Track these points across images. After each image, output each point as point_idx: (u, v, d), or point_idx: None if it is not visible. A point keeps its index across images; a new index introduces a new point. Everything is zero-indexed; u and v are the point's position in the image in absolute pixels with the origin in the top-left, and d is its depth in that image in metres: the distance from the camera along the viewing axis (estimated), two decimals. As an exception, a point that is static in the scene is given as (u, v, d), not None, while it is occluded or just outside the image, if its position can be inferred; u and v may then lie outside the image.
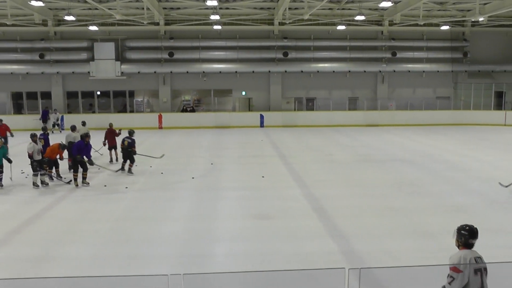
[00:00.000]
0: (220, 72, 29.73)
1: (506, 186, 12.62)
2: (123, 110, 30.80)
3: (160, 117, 29.13)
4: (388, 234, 9.14)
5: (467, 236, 4.97)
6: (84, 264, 7.76)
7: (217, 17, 25.23)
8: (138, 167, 15.69)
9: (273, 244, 8.64)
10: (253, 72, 29.88)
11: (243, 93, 31.05)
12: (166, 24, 29.64)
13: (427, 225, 9.69)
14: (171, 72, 29.76)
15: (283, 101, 31.01)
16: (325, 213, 10.51)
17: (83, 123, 17.57)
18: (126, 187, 13.07)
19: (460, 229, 5.02)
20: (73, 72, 29.63)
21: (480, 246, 6.56)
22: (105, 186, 13.34)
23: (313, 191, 12.60)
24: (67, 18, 25.35)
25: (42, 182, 13.27)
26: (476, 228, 5.01)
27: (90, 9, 27.32)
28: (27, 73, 29.68)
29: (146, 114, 30.42)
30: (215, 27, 28.11)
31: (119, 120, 27.38)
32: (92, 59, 29.13)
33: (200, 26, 29.33)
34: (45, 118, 27.56)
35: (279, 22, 29.36)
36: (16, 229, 9.64)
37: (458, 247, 5.02)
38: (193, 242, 8.79)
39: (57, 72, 29.73)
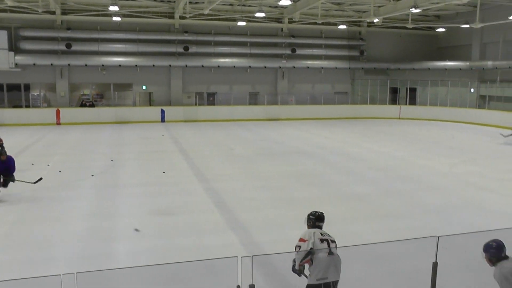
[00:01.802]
0: (120, 65, 34.14)
1: (506, 136, 17.64)
2: (18, 105, 33.62)
3: (58, 112, 32.63)
4: (288, 224, 10.64)
5: (314, 219, 6.63)
6: None
7: (116, 8, 28.63)
8: (35, 165, 17.43)
9: (174, 240, 9.94)
10: (153, 66, 34.63)
11: (144, 87, 35.81)
12: (63, 13, 33.34)
13: (327, 213, 9.28)
14: (68, 64, 33.46)
15: (184, 95, 36.12)
16: (226, 207, 11.89)
17: None
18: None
19: (309, 215, 6.71)
20: None
21: (377, 231, 10.15)
22: None
23: (214, 185, 14.49)
24: None
25: None
26: (322, 213, 6.68)
27: (-22, -6, 30.28)
28: None
29: (43, 109, 33.62)
30: (114, 18, 32.10)
31: (14, 116, 30.15)
32: None
33: (99, 17, 33.31)
34: None
35: (179, 16, 34.25)
36: None
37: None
38: (93, 241, 9.83)
39: None
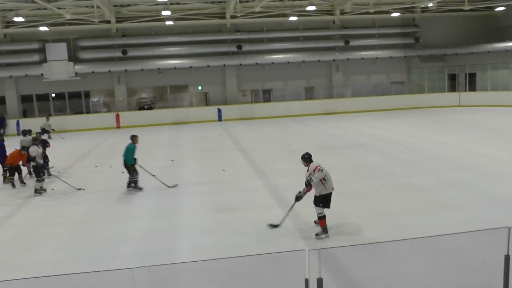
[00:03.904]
0: (175, 68, 34.84)
1: None
2: (79, 111, 35.12)
3: (117, 116, 33.87)
4: (349, 217, 10.73)
5: (311, 157, 10.03)
6: (48, 268, 8.70)
7: (168, 12, 29.70)
8: (98, 168, 18.46)
9: (236, 236, 10.00)
10: (208, 66, 35.11)
11: (199, 88, 36.34)
12: (117, 21, 34.45)
13: (385, 205, 11.45)
14: (125, 70, 34.59)
15: (240, 94, 36.29)
16: (286, 202, 11.53)
17: (25, 133, 18.30)
18: (83, 189, 14.77)
19: (307, 156, 10.04)
20: (26, 75, 33.89)
21: (439, 223, 9.90)
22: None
23: (274, 181, 14.53)
24: (16, 19, 29.63)
25: (41, 188, 14.77)
26: (308, 152, 10.10)
27: (39, 9, 31.63)
28: None
29: (103, 114, 35.14)
30: (167, 23, 32.84)
31: (76, 122, 31.49)
32: (45, 60, 33.52)
33: (152, 22, 34.13)
34: (1, 123, 30.92)
35: (231, 16, 34.44)
36: None
37: (307, 165, 9.84)
38: (157, 239, 10.11)
39: (10, 76, 34.05)
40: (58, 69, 32.90)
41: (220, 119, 34.51)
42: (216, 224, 10.86)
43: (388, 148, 19.50)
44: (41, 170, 14.73)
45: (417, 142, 20.62)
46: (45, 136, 21.63)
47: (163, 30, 34.70)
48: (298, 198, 9.94)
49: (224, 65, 35.17)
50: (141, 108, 35.65)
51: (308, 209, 11.15)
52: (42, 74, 33.06)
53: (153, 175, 14.78)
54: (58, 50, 33.12)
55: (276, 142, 23.11)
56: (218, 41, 35.18)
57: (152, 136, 27.86)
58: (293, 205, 10.14)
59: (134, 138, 14.75)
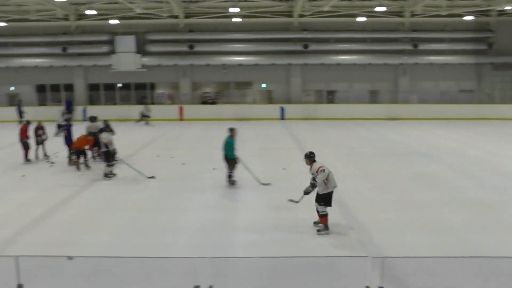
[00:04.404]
0: (240, 64, 35.14)
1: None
2: (143, 102, 35.84)
3: (181, 109, 34.48)
4: (408, 228, 10.41)
5: (314, 156, 10.30)
6: (105, 250, 9.13)
7: (236, 9, 29.92)
8: (160, 157, 19.12)
9: (292, 235, 10.00)
10: (273, 64, 35.11)
11: (263, 85, 36.06)
12: (186, 17, 34.91)
13: (446, 219, 10.99)
14: (191, 64, 35.21)
15: (304, 93, 35.83)
16: (345, 206, 11.73)
17: (92, 119, 19.02)
18: (154, 177, 15.24)
19: (310, 155, 10.27)
20: (94, 65, 35.50)
21: (499, 243, 9.43)
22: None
23: None
24: (88, 12, 31.46)
25: (111, 173, 15.46)
26: (312, 151, 10.38)
27: (110, 3, 32.84)
28: (50, 66, 35.66)
29: (167, 106, 35.95)
30: (234, 19, 33.06)
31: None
32: (113, 52, 34.80)
33: (219, 19, 34.40)
34: (69, 109, 32.16)
35: (298, 14, 34.08)
36: (42, 215, 11.52)
37: (311, 164, 10.16)
38: (213, 231, 10.27)
39: (79, 65, 35.68)
40: (126, 60, 34.23)
41: (282, 117, 34.32)
42: (274, 222, 10.84)
43: (453, 159, 18.66)
44: (112, 155, 15.25)
45: (484, 155, 19.63)
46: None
47: (230, 26, 34.85)
48: (306, 193, 10.28)
49: (289, 64, 35.04)
50: (204, 102, 36.30)
51: (370, 217, 11.07)
52: (110, 65, 34.44)
53: (248, 169, 14.63)
54: (127, 43, 34.42)
55: (338, 144, 22.86)
56: (284, 40, 35.03)
57: (214, 130, 27.73)
58: (302, 198, 10.56)
59: (232, 131, 14.47)
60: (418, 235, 9.93)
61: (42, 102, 36.90)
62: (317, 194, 10.00)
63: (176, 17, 34.41)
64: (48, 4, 31.21)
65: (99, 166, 16.92)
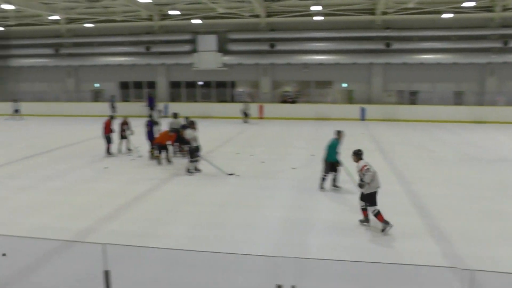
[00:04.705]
0: (320, 63, 34.86)
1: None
2: (224, 100, 36.76)
3: (260, 107, 34.54)
4: (494, 240, 9.86)
5: (361, 154, 10.81)
6: (183, 243, 9.43)
7: (318, 7, 29.56)
8: (240, 155, 19.58)
9: (368, 239, 9.93)
10: (354, 63, 34.63)
11: (344, 85, 35.66)
12: (267, 16, 34.85)
13: None
14: (272, 63, 35.34)
15: (385, 94, 35.01)
16: (425, 212, 11.55)
17: (175, 115, 19.75)
18: (238, 175, 15.59)
19: (357, 152, 10.82)
20: (176, 64, 36.59)
21: None
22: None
23: (413, 188, 14.10)
24: (172, 12, 32.26)
25: (196, 169, 16.02)
26: (360, 149, 10.90)
27: (193, 3, 33.28)
28: (134, 64, 37.26)
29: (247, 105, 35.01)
30: (316, 18, 32.71)
31: (221, 110, 34.20)
32: (195, 51, 35.58)
33: (301, 17, 34.16)
34: (151, 105, 33.14)
35: (381, 12, 33.38)
36: (123, 206, 12.20)
37: (358, 161, 10.68)
38: (291, 230, 10.34)
39: (162, 63, 36.90)
40: (207, 59, 34.96)
41: (362, 118, 33.74)
42: (351, 225, 10.75)
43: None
44: (195, 152, 15.72)
45: None
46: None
47: (311, 25, 34.52)
48: (360, 186, 10.55)
49: (371, 63, 34.43)
50: (284, 101, 36.30)
51: (453, 226, 10.61)
52: (191, 63, 35.30)
53: (351, 175, 14.04)
54: (209, 42, 35.17)
55: (419, 147, 22.14)
56: (366, 38, 34.25)
57: (293, 129, 28.71)
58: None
59: (339, 133, 14.08)
60: (507, 249, 9.37)
61: (125, 99, 38.43)
62: (362, 193, 10.41)
63: (257, 16, 34.54)
64: (134, 5, 32.14)
65: (180, 162, 17.62)
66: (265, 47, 34.72)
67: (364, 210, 10.48)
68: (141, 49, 36.29)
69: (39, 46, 38.91)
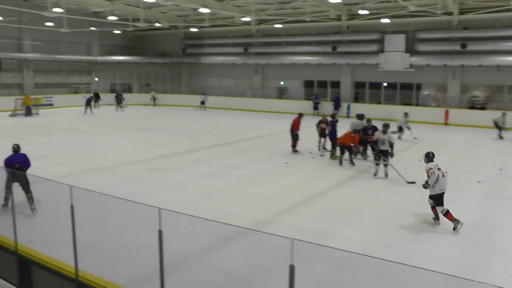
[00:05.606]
0: (516, 65, 31.52)
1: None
2: (408, 103, 35.45)
3: (446, 112, 32.62)
4: None
5: (432, 157, 11.08)
6: (363, 247, 9.22)
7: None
8: (421, 161, 18.14)
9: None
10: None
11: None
12: (460, 13, 32.90)
13: None
14: (462, 65, 33.00)
15: None
16: None
17: (359, 117, 19.52)
18: (414, 182, 14.62)
19: (428, 154, 11.12)
20: (362, 64, 36.30)
21: None
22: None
23: None
24: (361, 12, 31.98)
25: (385, 174, 15.59)
26: (433, 152, 11.21)
27: (383, 2, 32.88)
28: (319, 63, 37.91)
29: (432, 109, 34.14)
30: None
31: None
32: (382, 51, 34.99)
33: (497, 13, 31.19)
34: (337, 105, 33.46)
35: None
36: (301, 202, 12.55)
37: (427, 162, 10.94)
38: (469, 250, 9.64)
39: (347, 63, 36.97)
40: (394, 59, 34.11)
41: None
42: None
43: None
44: (382, 155, 15.55)
45: None
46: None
47: (509, 22, 31.56)
48: (424, 186, 11.03)
49: None
50: (472, 107, 33.21)
51: None
52: (377, 64, 34.79)
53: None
54: (396, 42, 34.27)
55: None
56: None
57: (481, 138, 25.88)
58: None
59: None
60: None
61: (307, 97, 39.16)
62: (430, 194, 10.97)
63: (450, 13, 32.75)
64: (323, 6, 32.60)
65: (362, 164, 17.76)
66: (455, 47, 32.77)
67: (433, 207, 10.99)
68: (327, 48, 36.93)
69: (230, 45, 42.81)
